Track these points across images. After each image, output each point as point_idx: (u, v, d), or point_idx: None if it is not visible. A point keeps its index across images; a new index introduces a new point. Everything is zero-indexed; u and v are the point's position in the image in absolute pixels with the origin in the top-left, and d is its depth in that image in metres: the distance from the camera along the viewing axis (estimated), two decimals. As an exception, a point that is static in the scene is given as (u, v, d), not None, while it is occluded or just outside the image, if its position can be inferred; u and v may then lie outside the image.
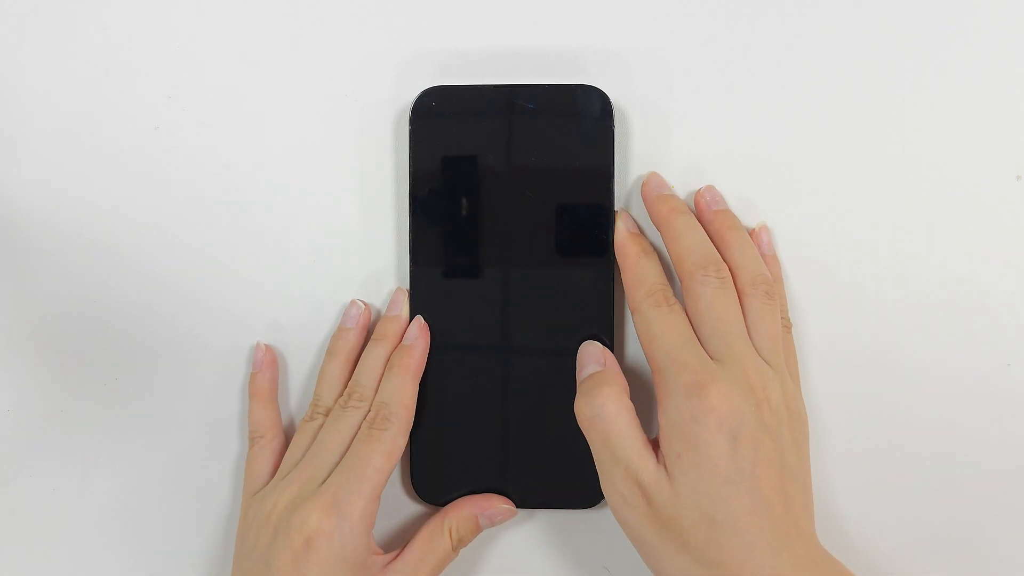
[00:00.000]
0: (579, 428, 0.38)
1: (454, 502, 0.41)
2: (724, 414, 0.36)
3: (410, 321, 0.42)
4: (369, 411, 0.40)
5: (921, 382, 0.42)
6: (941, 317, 0.42)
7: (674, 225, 0.40)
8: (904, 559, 0.42)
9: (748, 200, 0.42)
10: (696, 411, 0.36)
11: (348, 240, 0.43)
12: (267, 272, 0.43)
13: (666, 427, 0.37)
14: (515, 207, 0.41)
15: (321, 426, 0.41)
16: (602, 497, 0.39)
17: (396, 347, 0.41)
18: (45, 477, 0.44)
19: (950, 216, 0.42)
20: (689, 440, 0.36)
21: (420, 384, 0.41)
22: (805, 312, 0.42)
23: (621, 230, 0.41)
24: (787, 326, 0.41)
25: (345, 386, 0.42)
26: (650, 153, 0.42)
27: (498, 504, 0.41)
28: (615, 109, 0.41)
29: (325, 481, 0.39)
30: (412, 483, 0.42)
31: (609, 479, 0.37)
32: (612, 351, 0.41)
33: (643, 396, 0.42)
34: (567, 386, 0.40)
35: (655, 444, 0.38)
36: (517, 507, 0.41)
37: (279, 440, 0.42)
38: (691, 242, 0.40)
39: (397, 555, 0.40)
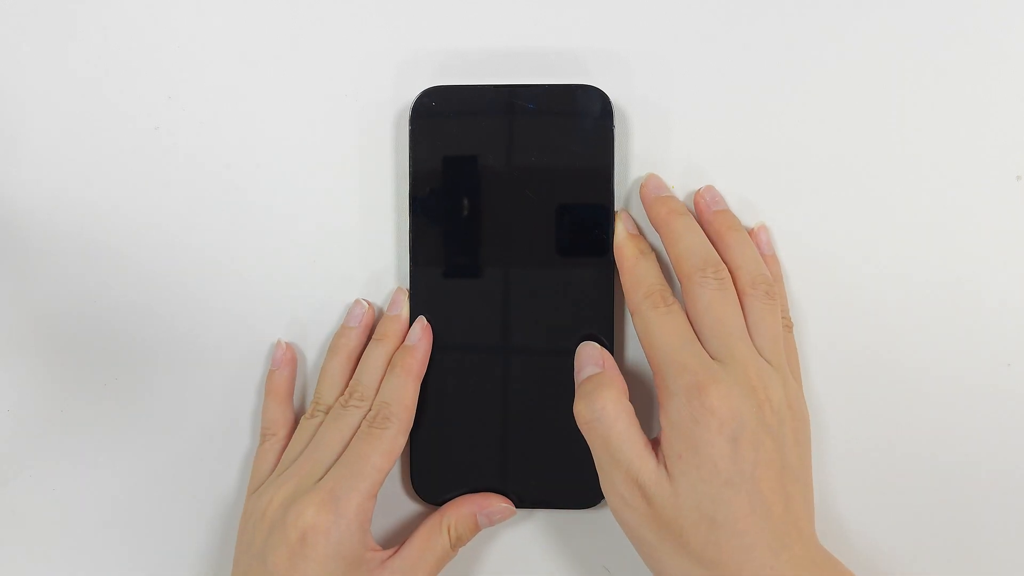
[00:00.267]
0: (579, 428, 0.38)
1: (453, 501, 0.41)
2: (724, 416, 0.36)
3: (410, 321, 0.42)
4: (370, 410, 0.40)
5: (921, 382, 0.42)
6: (941, 317, 0.42)
7: (673, 227, 0.40)
8: (904, 559, 0.42)
9: (748, 200, 0.42)
10: (696, 412, 0.36)
11: (348, 240, 0.43)
12: (267, 272, 0.43)
13: (667, 428, 0.37)
14: (515, 207, 0.41)
15: (321, 424, 0.41)
16: (602, 497, 0.39)
17: (396, 347, 0.42)
18: (45, 477, 0.44)
19: (950, 216, 0.42)
20: (690, 441, 0.36)
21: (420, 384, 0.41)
22: (805, 312, 0.42)
23: (620, 231, 0.41)
24: (788, 326, 0.41)
25: (346, 385, 0.42)
26: (650, 153, 0.42)
27: (497, 503, 0.41)
28: (615, 109, 0.41)
29: (322, 478, 0.39)
30: (412, 483, 0.42)
31: (609, 480, 0.37)
32: (612, 351, 0.41)
33: (643, 397, 0.42)
34: (567, 386, 0.40)
35: (656, 444, 0.38)
36: (517, 507, 0.41)
37: (289, 439, 0.42)
38: (690, 244, 0.40)
39: (395, 552, 0.40)
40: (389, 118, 0.43)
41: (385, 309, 0.43)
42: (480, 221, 0.41)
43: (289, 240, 0.43)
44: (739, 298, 0.39)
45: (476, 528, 0.41)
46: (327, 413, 0.41)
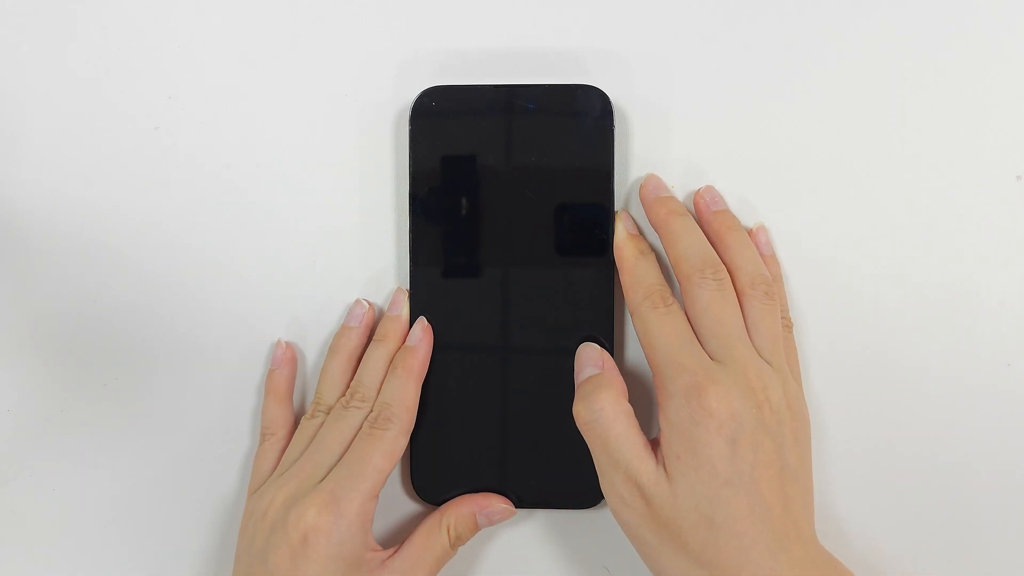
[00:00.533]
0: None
1: (453, 500, 0.41)
2: (723, 417, 0.36)
3: (410, 321, 0.42)
4: (371, 411, 0.40)
5: (921, 382, 0.42)
6: (941, 317, 0.42)
7: (672, 227, 0.40)
8: (904, 559, 0.42)
9: (747, 200, 0.42)
10: (695, 413, 0.36)
11: (348, 240, 0.43)
12: (267, 272, 0.43)
13: (666, 429, 0.37)
14: (515, 207, 0.41)
15: (322, 424, 0.41)
16: (602, 497, 0.39)
17: (397, 347, 0.42)
18: (45, 477, 0.44)
19: (950, 216, 0.42)
20: (689, 442, 0.36)
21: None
22: (805, 312, 0.42)
23: (620, 231, 0.41)
24: (788, 326, 0.41)
25: (347, 385, 0.42)
26: (650, 153, 0.42)
27: (497, 504, 0.41)
28: (615, 109, 0.41)
29: (324, 479, 0.39)
30: (412, 483, 0.42)
31: (609, 481, 0.37)
32: (612, 351, 0.41)
33: (643, 398, 0.42)
34: (567, 386, 0.40)
35: (655, 445, 0.38)
36: (517, 507, 0.41)
37: (289, 439, 0.42)
38: (689, 244, 0.40)
39: (395, 552, 0.40)
40: (389, 118, 0.43)
41: (385, 309, 0.43)
42: (480, 221, 0.41)
43: (289, 240, 0.43)
44: (738, 299, 0.39)
45: (475, 528, 0.41)
46: (328, 414, 0.41)
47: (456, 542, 0.41)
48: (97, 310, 0.43)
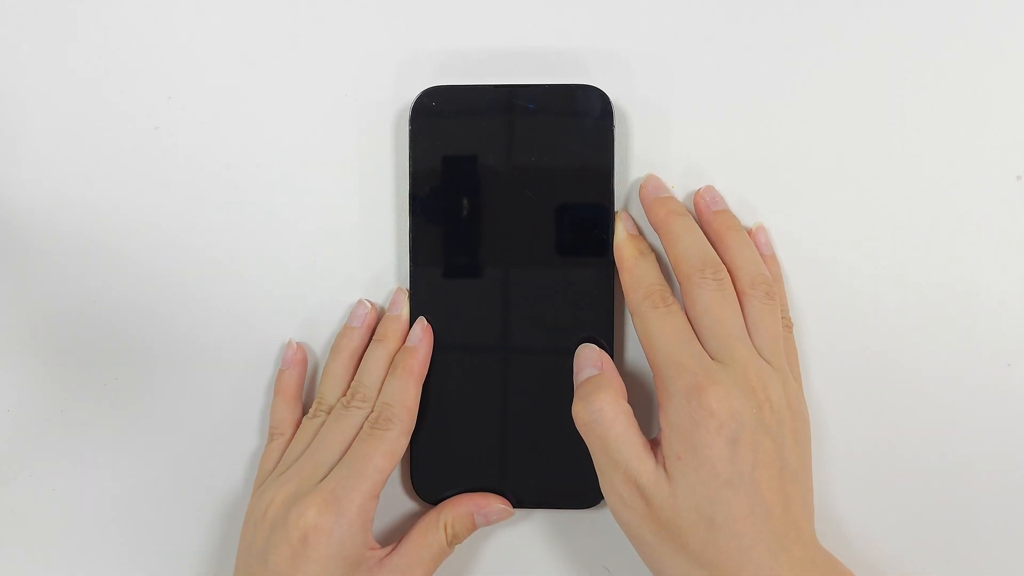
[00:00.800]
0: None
1: (451, 498, 0.41)
2: (723, 417, 0.36)
3: (411, 321, 0.42)
4: (372, 411, 0.40)
5: (921, 382, 0.42)
6: (941, 317, 0.42)
7: (672, 228, 0.40)
8: (904, 559, 0.42)
9: (747, 201, 0.42)
10: (695, 414, 0.36)
11: (348, 240, 0.43)
12: (267, 272, 0.43)
13: (666, 429, 0.37)
14: (515, 207, 0.41)
15: (323, 424, 0.41)
16: (601, 497, 0.39)
17: (397, 347, 0.42)
18: (45, 477, 0.44)
19: (950, 216, 0.42)
20: (689, 442, 0.36)
21: (420, 384, 0.41)
22: (805, 312, 0.42)
23: (620, 231, 0.41)
24: (788, 326, 0.41)
25: (348, 384, 0.42)
26: (650, 153, 0.42)
27: (495, 504, 0.41)
28: (615, 109, 0.41)
29: (324, 478, 0.39)
30: (412, 482, 0.42)
31: (608, 482, 0.37)
32: (612, 352, 0.41)
33: (643, 398, 0.42)
34: (567, 386, 0.40)
35: (655, 445, 0.38)
36: (517, 507, 0.41)
37: None
38: (689, 244, 0.40)
39: (392, 549, 0.40)
40: (389, 118, 0.43)
41: (385, 309, 0.43)
42: (480, 221, 0.41)
43: (289, 240, 0.43)
44: (739, 299, 0.39)
45: (473, 527, 0.41)
46: (329, 413, 0.41)
47: (453, 540, 0.41)
48: (97, 310, 0.43)
